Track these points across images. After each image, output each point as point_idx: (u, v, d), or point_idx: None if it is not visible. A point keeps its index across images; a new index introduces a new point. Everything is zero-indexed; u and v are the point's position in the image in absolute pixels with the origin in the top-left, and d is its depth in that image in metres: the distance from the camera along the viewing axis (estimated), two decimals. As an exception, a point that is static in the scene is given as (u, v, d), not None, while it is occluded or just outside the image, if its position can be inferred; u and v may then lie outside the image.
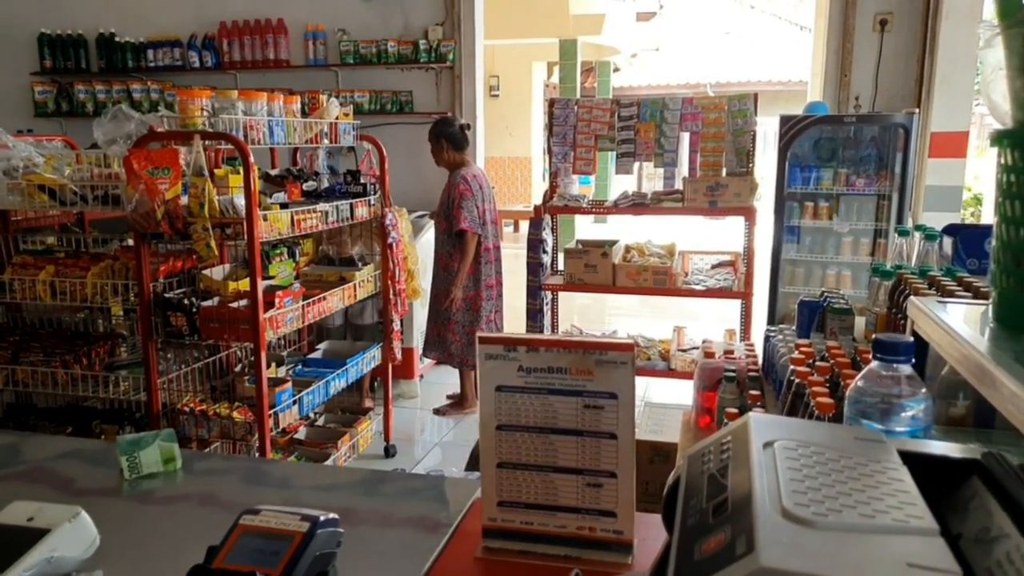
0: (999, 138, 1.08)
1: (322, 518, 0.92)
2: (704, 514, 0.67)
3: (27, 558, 0.91)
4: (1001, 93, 1.05)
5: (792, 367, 2.01)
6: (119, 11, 6.04)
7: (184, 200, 2.77)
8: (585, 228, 11.13)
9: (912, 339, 0.94)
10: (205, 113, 2.89)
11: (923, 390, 0.91)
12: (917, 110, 4.46)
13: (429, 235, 5.05)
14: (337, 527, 0.95)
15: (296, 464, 1.58)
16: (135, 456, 1.28)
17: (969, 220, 5.53)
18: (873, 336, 1.02)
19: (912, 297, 1.52)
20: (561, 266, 4.74)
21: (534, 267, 4.59)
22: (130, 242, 3.01)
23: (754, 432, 0.76)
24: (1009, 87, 1.03)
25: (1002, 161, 1.09)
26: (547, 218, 4.68)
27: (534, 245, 4.58)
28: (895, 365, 0.90)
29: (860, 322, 2.35)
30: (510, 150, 12.91)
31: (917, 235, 2.29)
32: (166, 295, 2.93)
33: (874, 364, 0.92)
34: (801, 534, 0.58)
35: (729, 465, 0.73)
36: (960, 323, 1.21)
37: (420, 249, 4.42)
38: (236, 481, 1.36)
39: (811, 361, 2.04)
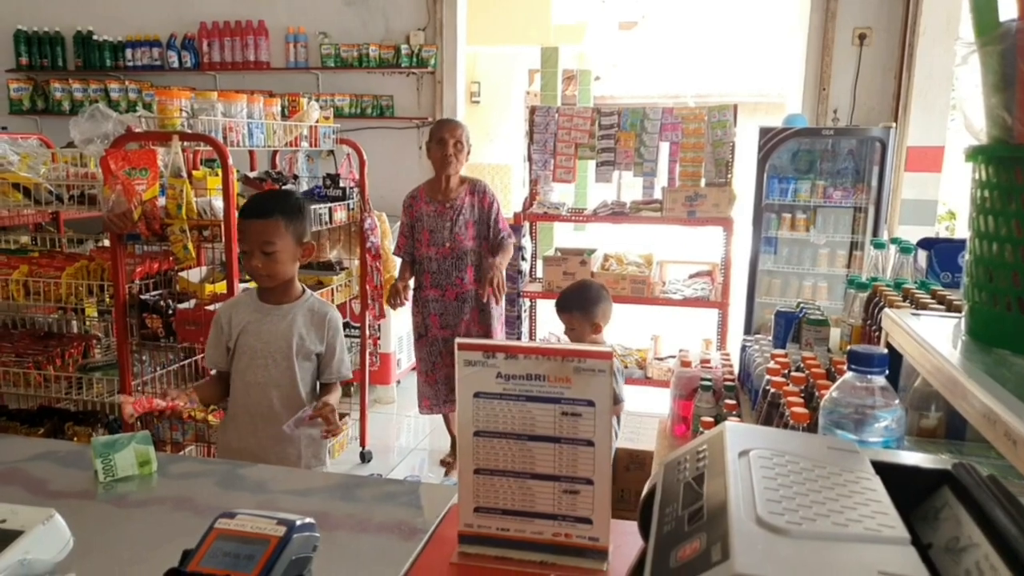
0: (974, 154, 1.10)
1: (298, 522, 0.91)
2: (680, 521, 0.68)
3: (-1, 560, 0.89)
4: (976, 109, 1.07)
5: (768, 377, 2.03)
6: (97, 10, 5.98)
7: (162, 201, 2.75)
8: (564, 235, 11.16)
9: (886, 351, 0.95)
10: (184, 114, 2.87)
11: (896, 401, 0.93)
12: (894, 124, 4.53)
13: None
14: (313, 531, 0.94)
15: (273, 468, 1.57)
16: (110, 459, 1.27)
17: (944, 234, 5.62)
18: (848, 347, 1.03)
19: (887, 309, 1.54)
20: (540, 274, 4.75)
21: (512, 274, 4.59)
22: (106, 243, 2.97)
23: (730, 441, 0.77)
24: (984, 104, 1.05)
25: (976, 177, 1.11)
26: (526, 225, 4.69)
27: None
28: (869, 376, 0.91)
29: (835, 333, 2.37)
30: (491, 157, 12.92)
31: (892, 248, 2.32)
32: (142, 297, 2.90)
33: (849, 375, 0.93)
34: (775, 542, 0.58)
35: (705, 473, 0.74)
36: (933, 335, 1.23)
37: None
38: (212, 484, 1.35)
39: (786, 371, 2.06)
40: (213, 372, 2.32)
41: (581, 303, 3.01)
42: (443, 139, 3.56)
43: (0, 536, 0.92)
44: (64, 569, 0.99)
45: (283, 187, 3.63)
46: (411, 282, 3.73)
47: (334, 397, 2.24)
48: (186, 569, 0.85)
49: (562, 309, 3.06)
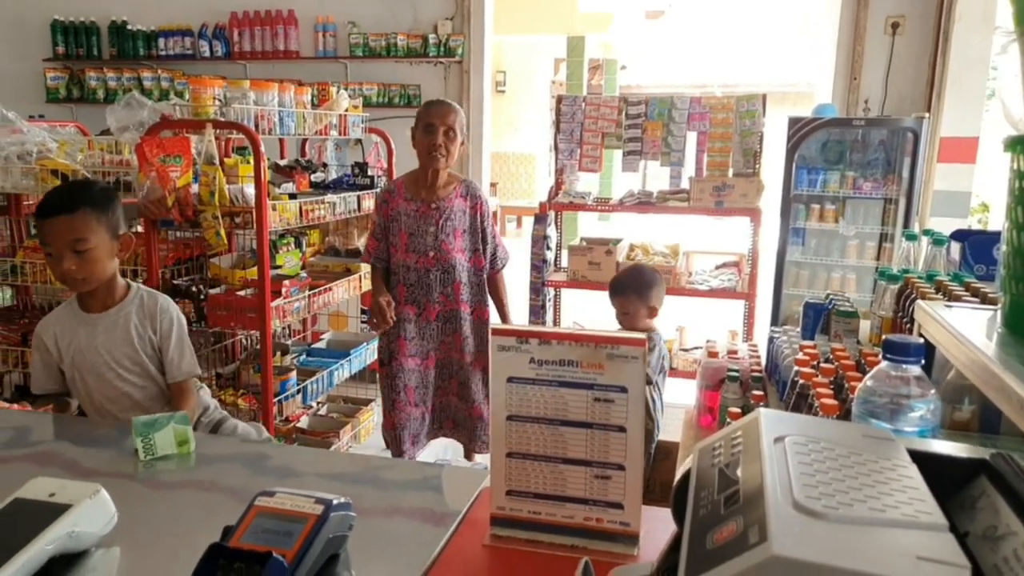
0: (1013, 144, 1.09)
1: (335, 501, 0.94)
2: (716, 505, 0.69)
3: (49, 532, 0.93)
4: (1016, 99, 1.06)
5: (796, 368, 2.02)
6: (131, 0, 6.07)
7: (195, 188, 2.79)
8: (589, 225, 11.14)
9: (922, 340, 0.95)
10: (217, 102, 2.90)
11: (932, 391, 0.93)
12: (927, 114, 4.45)
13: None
14: (349, 511, 0.96)
15: (308, 450, 1.60)
16: (150, 438, 1.30)
17: (976, 227, 5.52)
18: (883, 337, 1.03)
19: (919, 301, 1.53)
20: (565, 263, 4.76)
21: (537, 263, 4.60)
22: (140, 228, 3.02)
23: (765, 427, 0.77)
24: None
25: (1015, 167, 1.10)
26: (551, 214, 4.69)
27: (538, 241, 4.59)
28: (904, 366, 0.91)
29: (864, 325, 2.36)
30: (515, 146, 12.92)
31: (925, 240, 2.30)
32: (174, 282, 2.95)
33: (884, 364, 0.93)
34: (812, 525, 0.59)
35: (740, 458, 0.75)
36: (968, 327, 1.22)
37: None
38: (247, 465, 1.37)
39: (815, 363, 2.05)
40: (45, 394, 2.04)
41: (638, 286, 2.98)
42: (431, 125, 2.93)
43: (49, 509, 0.96)
44: (109, 543, 1.03)
45: (313, 173, 3.67)
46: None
47: (186, 409, 1.92)
48: (228, 544, 0.87)
49: (617, 293, 3.00)
